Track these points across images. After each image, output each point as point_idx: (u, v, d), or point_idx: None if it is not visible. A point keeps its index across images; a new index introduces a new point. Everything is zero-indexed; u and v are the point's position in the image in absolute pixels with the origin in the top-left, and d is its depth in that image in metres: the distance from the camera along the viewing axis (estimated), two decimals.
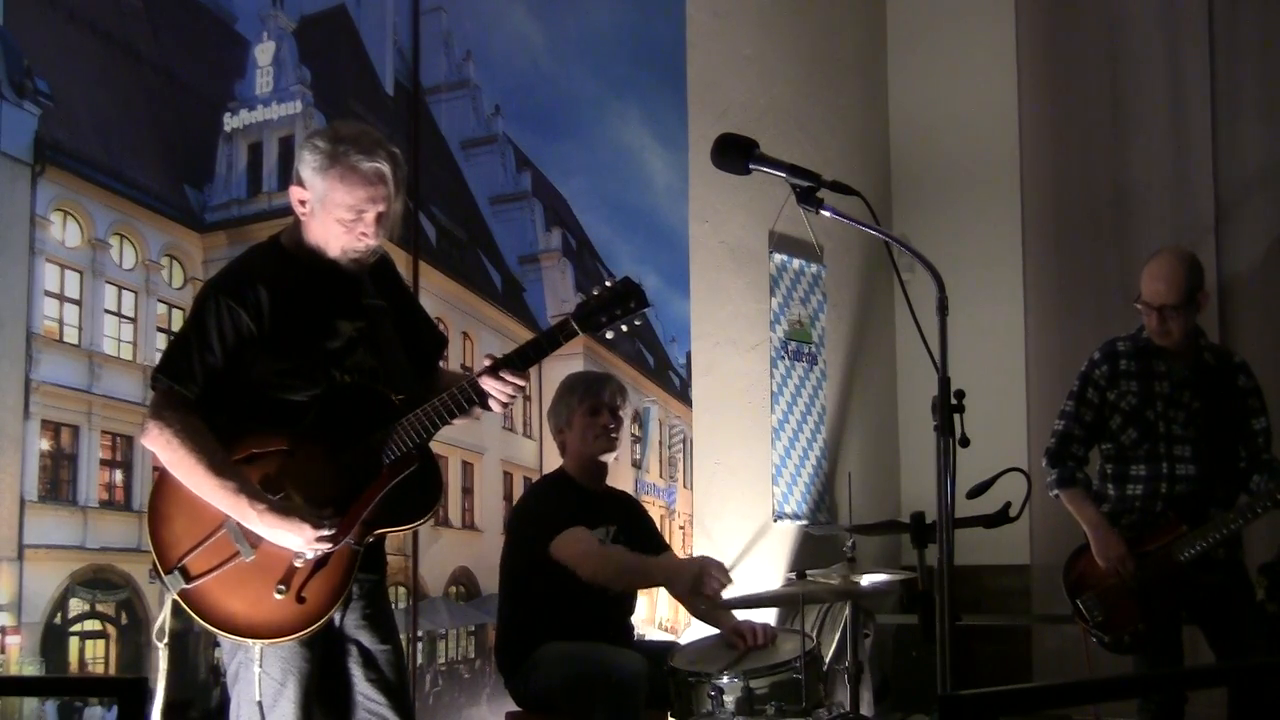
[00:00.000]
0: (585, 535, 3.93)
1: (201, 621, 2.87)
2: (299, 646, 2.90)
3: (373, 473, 2.95)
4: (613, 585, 3.93)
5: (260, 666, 2.86)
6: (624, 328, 3.08)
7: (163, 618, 2.91)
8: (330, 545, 2.88)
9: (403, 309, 3.20)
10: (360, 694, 3.05)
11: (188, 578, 2.85)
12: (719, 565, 3.82)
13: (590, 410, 4.08)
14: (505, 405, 3.06)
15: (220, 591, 2.86)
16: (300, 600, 2.87)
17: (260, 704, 2.85)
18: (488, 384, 3.01)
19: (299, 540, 2.85)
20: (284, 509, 2.85)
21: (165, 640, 2.90)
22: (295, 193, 3.00)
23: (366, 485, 2.95)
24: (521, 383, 3.03)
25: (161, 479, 2.93)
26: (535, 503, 4.16)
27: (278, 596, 2.86)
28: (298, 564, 2.88)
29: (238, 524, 2.87)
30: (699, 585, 3.78)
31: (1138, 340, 4.45)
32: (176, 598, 2.86)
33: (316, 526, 2.85)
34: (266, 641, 2.86)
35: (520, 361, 3.03)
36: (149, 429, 2.89)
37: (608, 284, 3.10)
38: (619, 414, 4.12)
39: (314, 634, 2.90)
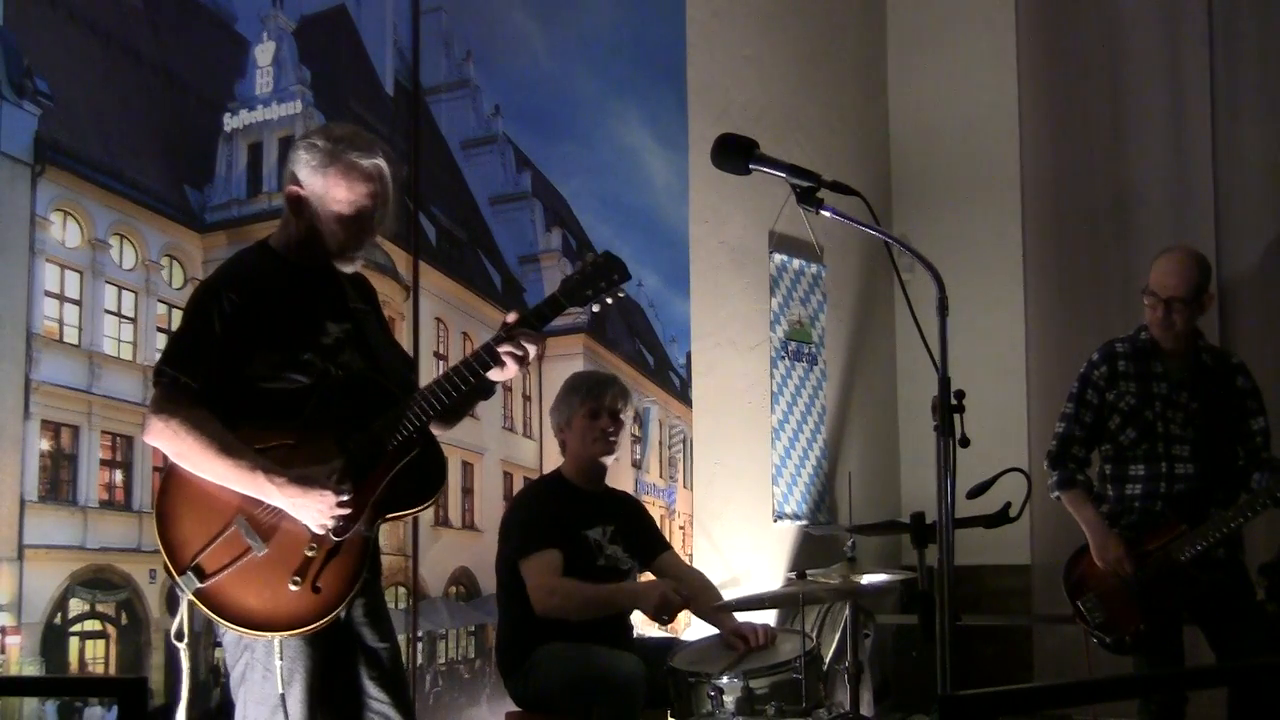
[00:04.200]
0: (549, 565, 3.91)
1: (219, 619, 2.87)
2: (304, 645, 2.91)
3: (378, 458, 2.97)
4: (571, 618, 3.89)
5: (280, 659, 2.86)
6: (609, 300, 3.15)
7: (180, 618, 2.90)
8: (346, 511, 2.88)
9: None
10: (363, 693, 3.05)
11: (202, 577, 2.85)
12: (675, 591, 3.87)
13: (590, 413, 4.08)
14: (520, 364, 3.05)
15: (235, 588, 2.86)
16: (316, 590, 2.88)
17: (284, 696, 2.85)
18: (502, 346, 3.03)
19: (322, 507, 2.86)
20: (303, 479, 2.86)
21: (185, 641, 2.90)
22: (290, 192, 3.03)
23: (373, 471, 2.96)
24: (529, 346, 3.04)
25: (166, 480, 2.93)
26: (520, 509, 4.14)
27: (293, 588, 2.86)
28: (310, 554, 2.89)
29: (247, 520, 2.87)
30: (662, 610, 3.84)
31: (1136, 341, 4.45)
32: (193, 598, 2.85)
33: (337, 493, 2.87)
34: (286, 634, 2.87)
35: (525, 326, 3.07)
36: (151, 424, 2.88)
37: (589, 258, 3.16)
38: (620, 418, 4.12)
39: (332, 622, 2.91)
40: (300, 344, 2.98)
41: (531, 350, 3.05)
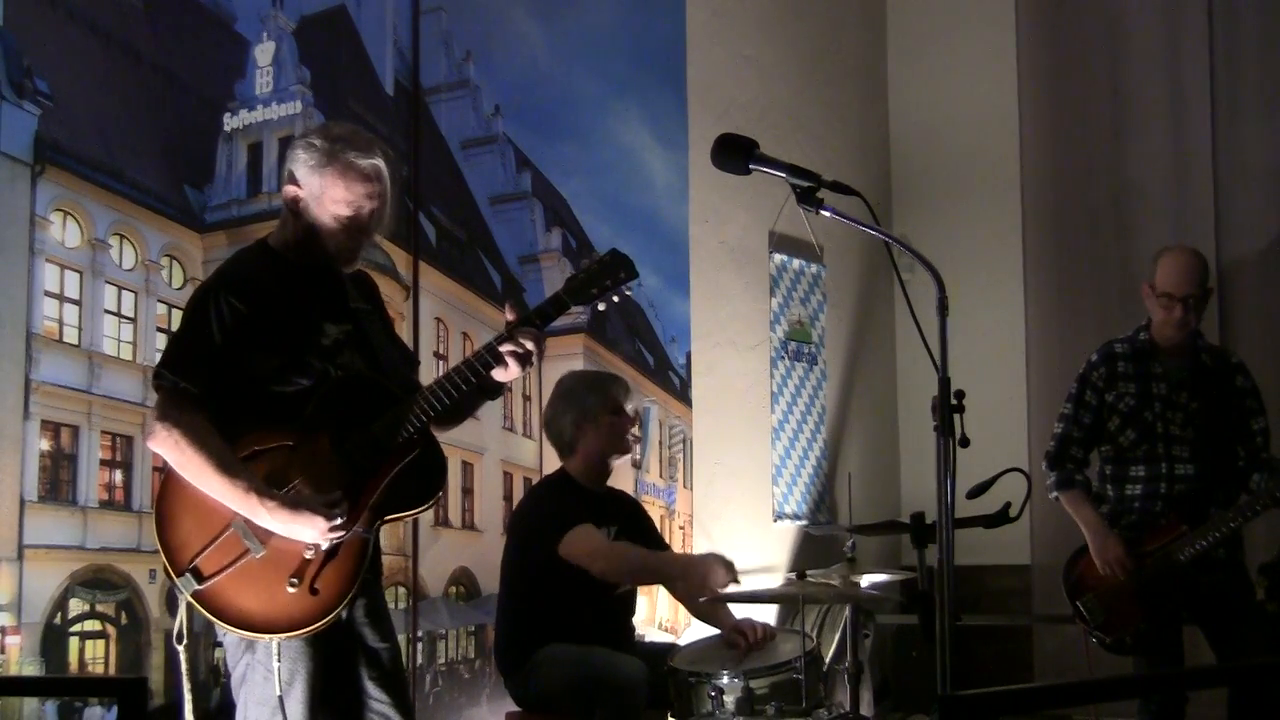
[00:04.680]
0: (593, 532, 3.93)
1: (218, 621, 2.86)
2: (305, 646, 2.90)
3: (377, 460, 2.96)
4: (625, 581, 3.94)
5: (279, 661, 2.86)
6: (615, 298, 3.13)
7: (179, 621, 2.90)
8: (338, 535, 2.88)
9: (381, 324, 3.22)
10: (364, 693, 3.05)
11: (200, 579, 2.85)
12: (727, 562, 3.85)
13: (614, 410, 4.09)
14: (522, 363, 3.02)
15: (233, 590, 2.86)
16: (314, 592, 2.87)
17: (281, 698, 2.85)
18: (504, 346, 3.01)
19: (313, 532, 2.85)
20: (294, 503, 2.86)
21: (185, 643, 2.90)
22: (288, 191, 3.01)
23: (372, 472, 2.95)
24: (531, 345, 3.02)
25: (166, 482, 2.92)
26: (539, 503, 4.16)
27: (290, 590, 2.86)
28: (308, 556, 2.88)
29: (245, 522, 2.87)
30: (709, 581, 3.82)
31: (1135, 342, 4.45)
32: (191, 600, 2.85)
33: (329, 517, 2.85)
34: (284, 635, 2.86)
35: (527, 324, 3.05)
36: (155, 432, 2.88)
37: (596, 257, 3.15)
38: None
39: (330, 624, 2.90)
40: (300, 346, 2.97)
41: (534, 349, 3.04)
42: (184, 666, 2.91)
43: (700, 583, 3.88)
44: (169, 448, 2.87)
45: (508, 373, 3.05)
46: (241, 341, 2.91)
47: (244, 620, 2.86)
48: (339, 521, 2.87)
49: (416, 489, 3.03)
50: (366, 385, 3.02)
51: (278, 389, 2.95)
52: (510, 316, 3.07)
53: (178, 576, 2.85)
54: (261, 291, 2.95)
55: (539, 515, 4.06)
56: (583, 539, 3.91)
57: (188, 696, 2.93)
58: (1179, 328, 4.35)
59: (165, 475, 2.93)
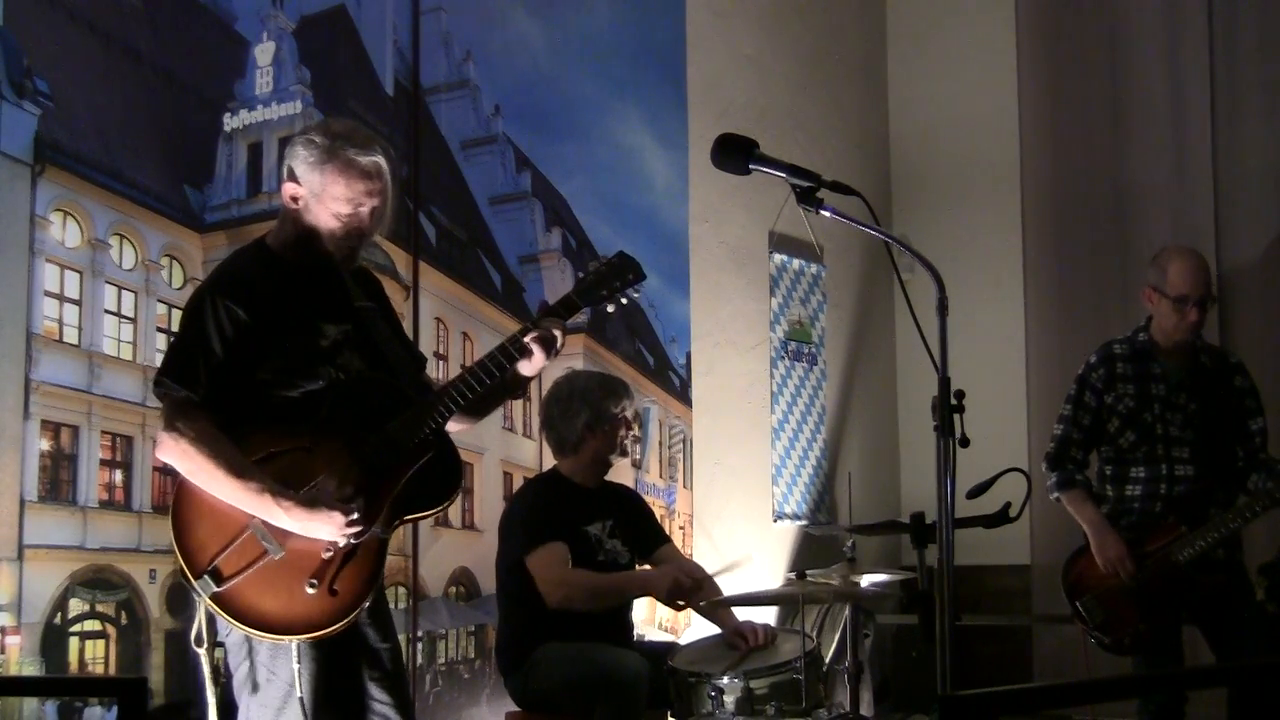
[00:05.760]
0: (557, 557, 3.93)
1: (237, 624, 2.84)
2: (309, 647, 2.88)
3: (394, 460, 2.95)
4: (585, 608, 3.91)
5: (298, 663, 2.84)
6: (623, 300, 3.15)
7: (198, 624, 2.88)
8: (361, 528, 2.86)
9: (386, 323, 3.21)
10: (366, 694, 3.04)
11: (219, 580, 2.83)
12: (689, 572, 3.90)
13: (626, 422, 4.15)
14: (547, 348, 3.04)
15: (252, 592, 2.84)
16: (333, 593, 2.86)
17: (302, 700, 2.84)
18: (529, 336, 3.02)
19: (331, 529, 2.83)
20: (311, 501, 2.84)
21: (205, 646, 2.88)
22: (288, 189, 2.99)
23: (389, 473, 2.94)
24: (558, 332, 3.04)
25: (181, 487, 2.91)
26: (521, 508, 4.16)
27: (310, 591, 2.84)
28: (326, 556, 2.87)
29: (263, 523, 2.85)
30: (675, 595, 3.88)
31: (1134, 343, 4.45)
32: (210, 602, 2.83)
33: (346, 513, 2.84)
34: (304, 637, 2.85)
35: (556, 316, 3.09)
36: (163, 442, 2.87)
37: (604, 259, 3.17)
38: None
39: (349, 625, 2.89)
40: (299, 348, 2.96)
41: (560, 336, 3.04)
42: (205, 670, 2.89)
43: (663, 598, 3.91)
44: (177, 456, 2.85)
45: (532, 363, 3.05)
46: (239, 345, 2.89)
47: (262, 622, 2.84)
48: (356, 517, 2.85)
49: (433, 489, 3.02)
50: (380, 386, 3.01)
51: (282, 392, 2.94)
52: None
53: (196, 579, 2.83)
54: (257, 293, 2.93)
55: (517, 519, 4.08)
56: (545, 563, 3.92)
57: (211, 701, 2.91)
58: (1192, 331, 4.35)
59: (179, 481, 2.91)
